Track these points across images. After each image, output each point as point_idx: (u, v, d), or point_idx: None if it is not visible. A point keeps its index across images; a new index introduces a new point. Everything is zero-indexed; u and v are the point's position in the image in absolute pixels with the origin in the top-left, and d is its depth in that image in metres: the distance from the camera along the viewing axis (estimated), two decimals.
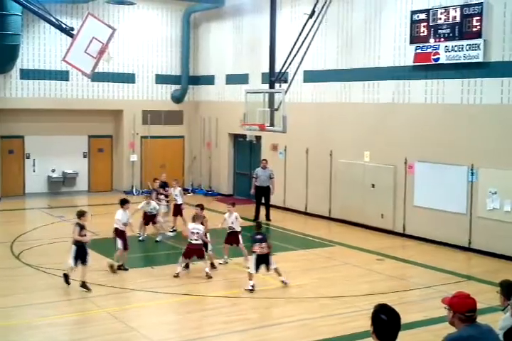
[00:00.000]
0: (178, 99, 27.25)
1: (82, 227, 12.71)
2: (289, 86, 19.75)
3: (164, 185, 18.98)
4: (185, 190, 21.30)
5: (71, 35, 18.56)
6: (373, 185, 19.04)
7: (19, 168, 25.20)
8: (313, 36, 19.10)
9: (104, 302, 12.08)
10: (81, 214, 12.92)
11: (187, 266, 14.21)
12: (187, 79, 27.01)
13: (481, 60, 15.86)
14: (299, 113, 20.64)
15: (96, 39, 18.18)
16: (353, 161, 19.68)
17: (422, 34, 17.18)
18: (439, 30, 16.70)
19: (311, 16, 19.04)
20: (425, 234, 17.57)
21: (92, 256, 13.07)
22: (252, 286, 12.84)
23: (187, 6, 26.45)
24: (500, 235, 15.65)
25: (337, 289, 13.07)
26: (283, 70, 19.56)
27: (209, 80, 26.71)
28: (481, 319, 5.62)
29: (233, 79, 25.16)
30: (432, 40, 16.93)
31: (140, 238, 17.01)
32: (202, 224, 14.06)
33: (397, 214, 18.46)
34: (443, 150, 17.06)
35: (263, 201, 20.87)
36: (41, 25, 23.68)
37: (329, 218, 20.74)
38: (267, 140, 22.96)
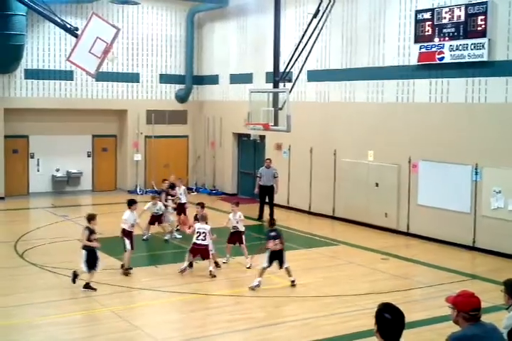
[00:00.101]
0: (182, 98, 27.27)
1: (91, 232, 12.60)
2: (293, 85, 19.74)
3: (172, 186, 18.89)
4: (189, 190, 21.32)
5: (75, 35, 18.57)
6: (377, 184, 19.03)
7: (23, 168, 25.26)
8: (318, 36, 19.10)
9: (108, 301, 12.09)
10: (91, 218, 12.78)
11: (191, 265, 14.21)
12: (191, 79, 27.02)
13: (485, 59, 15.84)
14: (303, 112, 20.63)
15: (100, 39, 18.19)
16: (357, 160, 19.67)
17: (426, 33, 17.16)
18: (444, 30, 16.68)
19: (315, 16, 19.02)
20: (429, 233, 17.56)
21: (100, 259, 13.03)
22: (259, 282, 12.88)
23: (191, 6, 26.47)
24: (505, 234, 15.63)
25: (341, 288, 13.06)
26: (287, 70, 19.55)
27: (213, 80, 26.72)
28: (485, 318, 5.61)
29: (237, 78, 25.17)
30: (436, 40, 16.91)
31: (144, 237, 17.02)
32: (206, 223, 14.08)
33: (401, 213, 18.45)
34: (447, 149, 17.04)
35: (267, 200, 20.88)
36: (46, 25, 23.73)
37: (333, 217, 20.74)
38: (271, 139, 22.97)
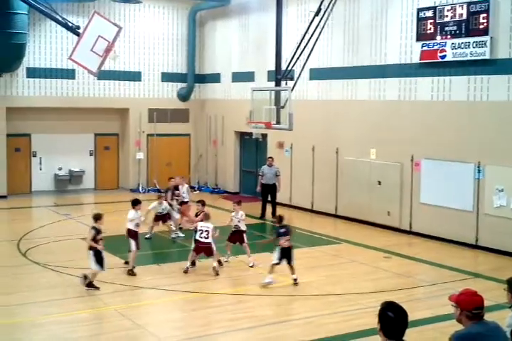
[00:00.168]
0: (184, 97, 27.27)
1: (98, 231, 12.49)
2: (295, 83, 19.74)
3: (176, 187, 18.80)
4: (191, 188, 21.30)
5: (77, 34, 18.60)
6: (380, 183, 19.02)
7: (26, 166, 25.28)
8: (320, 34, 19.08)
9: (111, 299, 12.10)
10: (98, 218, 12.66)
11: (193, 264, 14.23)
12: (193, 78, 27.02)
13: (487, 57, 15.82)
14: (305, 110, 20.63)
15: (102, 37, 18.21)
16: (360, 159, 19.67)
17: (428, 31, 17.14)
18: (446, 28, 16.66)
19: (317, 14, 19.01)
20: (432, 232, 17.56)
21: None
22: (272, 278, 12.93)
23: (193, 4, 26.47)
24: (507, 232, 15.61)
25: (343, 286, 13.06)
26: (289, 68, 19.55)
27: (215, 78, 26.72)
28: (488, 316, 5.61)
29: (239, 77, 25.16)
30: (438, 38, 16.89)
31: (147, 236, 17.03)
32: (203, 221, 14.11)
33: (403, 211, 18.44)
34: (449, 147, 17.03)
35: (269, 199, 20.88)
36: (47, 23, 23.73)
37: (335, 215, 20.74)
38: (273, 137, 22.96)
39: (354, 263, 15.18)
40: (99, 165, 26.81)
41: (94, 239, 12.43)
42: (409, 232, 18.23)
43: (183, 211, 17.84)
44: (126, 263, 14.12)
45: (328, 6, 18.85)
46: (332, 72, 20.75)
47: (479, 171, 16.28)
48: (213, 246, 13.88)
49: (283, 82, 19.81)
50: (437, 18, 16.86)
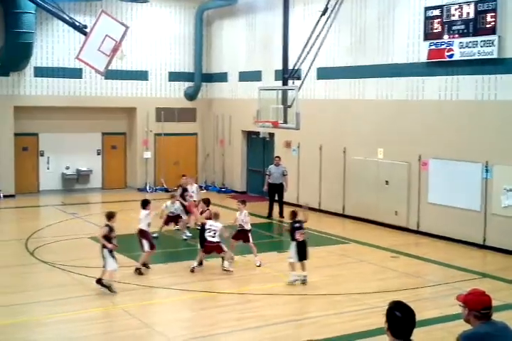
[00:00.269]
0: (191, 96, 27.28)
1: (111, 229, 12.40)
2: (302, 83, 19.72)
3: (185, 188, 18.74)
4: (199, 187, 21.29)
5: (84, 33, 18.63)
6: (387, 182, 18.98)
7: (33, 166, 25.35)
8: (327, 33, 19.06)
9: (118, 298, 12.10)
10: (111, 216, 12.56)
11: (201, 264, 14.24)
12: (200, 77, 27.03)
13: (495, 56, 15.76)
14: (312, 110, 20.60)
15: (109, 37, 18.23)
16: (367, 158, 19.63)
17: (435, 30, 17.09)
18: (453, 27, 16.61)
19: (324, 13, 19.00)
20: (439, 231, 17.51)
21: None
22: (299, 276, 12.99)
23: (200, 4, 26.48)
24: None
25: (350, 286, 13.04)
26: (296, 67, 19.54)
27: (222, 77, 26.72)
28: (496, 316, 5.58)
29: (246, 76, 25.16)
30: (445, 37, 16.84)
31: (154, 235, 17.02)
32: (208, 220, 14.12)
33: (411, 211, 18.40)
34: (457, 147, 16.98)
35: (276, 198, 20.87)
36: (55, 23, 23.77)
37: (343, 215, 20.71)
38: (280, 137, 22.95)
39: (361, 262, 15.16)
40: (107, 164, 26.85)
41: (107, 237, 12.34)
42: (417, 232, 18.18)
43: (189, 207, 17.78)
44: (144, 265, 14.03)
45: (335, 5, 18.84)
46: (339, 72, 20.72)
47: (487, 171, 16.23)
48: (222, 245, 13.89)
49: (290, 81, 19.80)
50: (445, 17, 16.81)
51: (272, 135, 22.68)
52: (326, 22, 18.95)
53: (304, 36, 19.83)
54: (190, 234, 17.26)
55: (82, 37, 19.29)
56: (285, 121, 19.16)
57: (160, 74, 26.66)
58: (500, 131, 15.94)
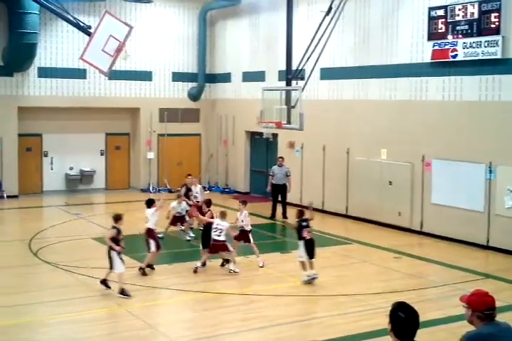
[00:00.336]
0: (194, 96, 27.29)
1: (118, 231, 12.34)
2: (305, 83, 19.71)
3: (189, 188, 18.71)
4: (203, 188, 21.28)
5: (88, 34, 18.66)
6: (390, 183, 18.96)
7: (37, 166, 25.37)
8: (330, 33, 19.05)
9: (122, 299, 12.08)
10: (118, 218, 12.46)
11: (204, 264, 14.25)
12: (203, 77, 27.04)
13: (499, 56, 15.73)
14: (315, 110, 20.58)
15: (113, 37, 18.27)
16: (370, 159, 19.62)
17: (439, 30, 17.07)
18: (457, 27, 16.59)
19: (327, 13, 18.99)
20: (443, 232, 17.49)
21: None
22: (309, 276, 13.00)
23: (203, 4, 26.49)
24: None
25: (354, 287, 13.03)
26: (300, 68, 19.53)
27: (225, 78, 26.73)
28: (499, 317, 5.57)
29: (250, 76, 25.16)
30: (449, 37, 16.82)
31: (160, 235, 16.99)
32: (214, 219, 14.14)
33: (414, 211, 18.38)
34: (460, 147, 16.96)
35: (279, 199, 20.86)
36: (59, 23, 23.80)
37: (346, 216, 20.69)
38: (284, 137, 22.94)
39: (365, 263, 15.15)
40: (110, 164, 26.88)
41: (115, 239, 12.27)
42: (420, 233, 18.16)
43: (190, 213, 17.67)
44: (149, 266, 14.01)
45: (339, 5, 18.84)
46: (343, 72, 20.71)
47: (490, 172, 16.20)
48: (228, 244, 13.90)
49: (294, 82, 19.79)
50: (449, 17, 16.79)
51: (275, 135, 22.66)
52: (329, 22, 18.95)
53: (307, 36, 19.81)
54: (194, 235, 17.24)
55: (86, 37, 19.33)
56: (288, 122, 19.16)
57: (163, 74, 26.68)
58: (504, 131, 15.91)
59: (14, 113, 23.85)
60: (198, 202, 18.36)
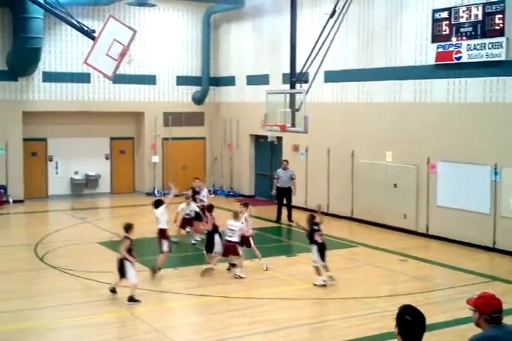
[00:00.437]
0: (198, 100, 27.30)
1: (131, 241, 12.31)
2: (309, 86, 19.70)
3: (195, 191, 18.67)
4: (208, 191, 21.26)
5: (92, 38, 18.65)
6: (395, 185, 18.94)
7: (42, 171, 25.41)
8: (334, 36, 19.05)
9: (128, 303, 12.07)
10: (129, 227, 12.42)
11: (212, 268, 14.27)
12: (208, 81, 27.05)
13: (503, 58, 15.71)
14: (320, 113, 20.58)
15: (117, 41, 18.24)
16: (375, 161, 19.59)
17: (443, 33, 17.05)
18: (461, 29, 16.57)
19: (331, 16, 18.99)
20: (448, 235, 17.45)
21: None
22: (324, 281, 13.05)
23: (207, 8, 26.51)
24: None
25: (360, 290, 13.00)
26: (304, 70, 19.53)
27: (230, 81, 26.74)
28: (506, 320, 5.55)
29: (254, 80, 25.17)
30: (453, 39, 16.81)
31: (174, 240, 16.95)
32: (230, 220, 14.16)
33: (419, 214, 18.34)
34: (466, 149, 16.93)
35: (285, 202, 20.84)
36: (63, 27, 23.86)
37: (351, 218, 20.67)
38: (288, 140, 22.93)
39: (370, 266, 15.12)
40: (115, 169, 26.90)
41: (129, 250, 12.21)
42: (426, 235, 18.13)
43: (195, 229, 17.43)
44: (154, 270, 13.99)
45: (343, 8, 18.83)
46: (347, 75, 20.70)
47: (496, 173, 16.17)
48: (239, 248, 13.89)
49: (298, 85, 19.79)
50: (453, 19, 16.78)
51: (279, 139, 22.66)
52: (333, 25, 18.95)
53: (311, 39, 19.82)
54: (199, 239, 17.22)
55: (90, 41, 19.30)
56: (293, 125, 19.14)
57: (168, 78, 26.71)
58: (509, 133, 15.88)
59: (19, 117, 23.89)
60: (203, 205, 18.34)
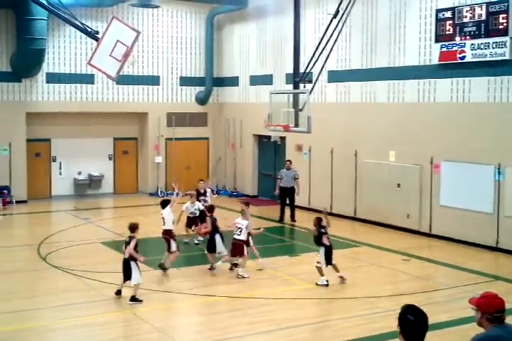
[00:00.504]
0: (202, 100, 27.31)
1: (136, 241, 12.31)
2: (313, 86, 19.70)
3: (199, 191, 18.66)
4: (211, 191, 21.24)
5: (96, 39, 18.66)
6: (399, 185, 18.91)
7: (46, 171, 25.44)
8: (338, 36, 19.04)
9: (131, 303, 12.07)
10: (135, 227, 12.40)
11: (212, 267, 14.26)
12: (211, 81, 27.06)
13: (507, 57, 15.68)
14: (323, 113, 20.57)
15: (121, 42, 18.25)
16: (379, 161, 19.57)
17: (447, 32, 17.03)
18: (465, 28, 16.54)
19: (335, 16, 18.97)
20: (452, 234, 17.42)
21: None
22: (327, 281, 13.07)
23: (210, 8, 26.52)
24: None
25: (362, 290, 12.99)
26: (307, 71, 19.52)
27: (233, 82, 26.74)
28: (509, 320, 5.53)
29: (257, 80, 25.16)
30: (457, 38, 16.78)
31: (186, 240, 16.95)
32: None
33: (423, 214, 18.32)
34: (469, 149, 16.90)
35: (287, 202, 20.83)
36: (67, 29, 23.89)
37: (354, 218, 20.65)
38: (292, 140, 22.92)
39: (373, 266, 15.10)
40: (118, 169, 26.91)
41: (135, 250, 12.19)
42: (429, 235, 18.10)
43: (197, 231, 17.40)
44: (162, 267, 13.98)
45: (346, 8, 18.80)
46: (350, 75, 20.69)
47: (499, 173, 16.14)
48: (245, 247, 13.90)
49: (301, 85, 19.78)
50: (456, 18, 16.75)
51: (283, 138, 22.65)
52: (337, 25, 18.93)
53: (314, 39, 19.83)
54: (202, 239, 17.21)
55: (94, 43, 19.32)
56: (296, 125, 19.14)
57: (171, 79, 26.72)
58: None
59: (22, 118, 23.93)
60: (206, 206, 18.34)
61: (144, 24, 25.70)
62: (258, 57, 25.27)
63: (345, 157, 20.77)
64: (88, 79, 24.83)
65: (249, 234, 14.55)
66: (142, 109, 26.20)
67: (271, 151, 25.02)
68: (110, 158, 26.80)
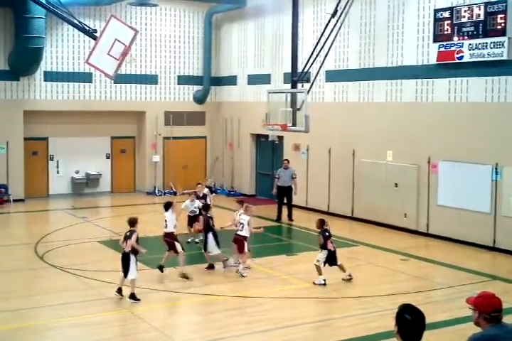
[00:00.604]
0: (200, 99, 27.30)
1: (137, 234, 12.32)
2: (311, 86, 19.71)
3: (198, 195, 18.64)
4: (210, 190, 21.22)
5: (94, 38, 18.65)
6: (396, 185, 18.93)
7: (43, 170, 25.41)
8: (336, 36, 19.05)
9: (127, 302, 12.07)
10: (135, 221, 12.42)
11: (212, 267, 14.27)
12: (209, 80, 27.05)
13: (505, 57, 15.70)
14: (321, 112, 20.58)
15: (119, 41, 18.23)
16: (376, 161, 19.58)
17: (445, 32, 17.04)
18: (463, 28, 16.55)
19: (333, 16, 18.97)
20: (449, 234, 17.44)
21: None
22: (325, 280, 13.08)
23: (209, 7, 26.51)
24: None
25: (360, 289, 13.00)
26: (305, 70, 19.52)
27: (231, 81, 26.74)
28: (506, 319, 5.54)
29: (255, 79, 25.16)
30: (455, 38, 16.79)
31: (189, 240, 16.91)
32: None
33: (420, 213, 18.33)
34: (467, 149, 16.92)
35: (285, 201, 20.84)
36: (65, 27, 23.86)
37: (352, 218, 20.66)
38: (289, 140, 22.93)
39: (371, 265, 15.12)
40: (116, 168, 26.90)
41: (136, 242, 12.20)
42: (427, 234, 18.12)
43: (195, 228, 17.38)
44: (160, 268, 13.93)
45: (345, 7, 18.81)
46: (348, 74, 20.69)
47: (497, 173, 16.16)
48: (246, 243, 13.90)
49: (299, 84, 19.78)
50: (454, 18, 16.76)
51: (280, 138, 22.66)
52: (335, 24, 18.93)
53: (313, 39, 19.83)
54: (201, 238, 17.20)
55: (92, 41, 19.30)
56: (294, 124, 19.15)
57: (169, 78, 26.71)
58: (510, 132, 15.87)
59: (20, 117, 23.89)
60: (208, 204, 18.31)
61: (142, 23, 25.69)
62: (256, 56, 25.27)
63: (343, 156, 20.78)
64: (86, 77, 24.80)
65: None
66: (140, 108, 26.19)
67: (269, 150, 25.02)
68: (108, 157, 26.78)
